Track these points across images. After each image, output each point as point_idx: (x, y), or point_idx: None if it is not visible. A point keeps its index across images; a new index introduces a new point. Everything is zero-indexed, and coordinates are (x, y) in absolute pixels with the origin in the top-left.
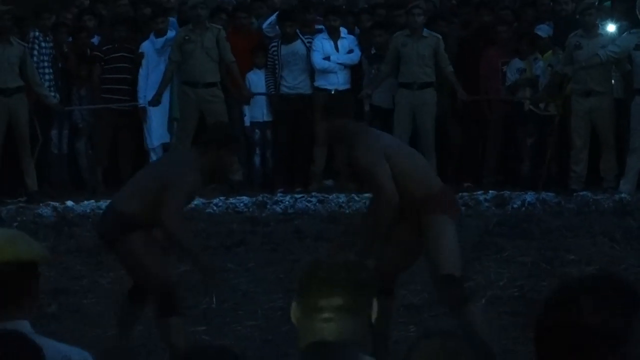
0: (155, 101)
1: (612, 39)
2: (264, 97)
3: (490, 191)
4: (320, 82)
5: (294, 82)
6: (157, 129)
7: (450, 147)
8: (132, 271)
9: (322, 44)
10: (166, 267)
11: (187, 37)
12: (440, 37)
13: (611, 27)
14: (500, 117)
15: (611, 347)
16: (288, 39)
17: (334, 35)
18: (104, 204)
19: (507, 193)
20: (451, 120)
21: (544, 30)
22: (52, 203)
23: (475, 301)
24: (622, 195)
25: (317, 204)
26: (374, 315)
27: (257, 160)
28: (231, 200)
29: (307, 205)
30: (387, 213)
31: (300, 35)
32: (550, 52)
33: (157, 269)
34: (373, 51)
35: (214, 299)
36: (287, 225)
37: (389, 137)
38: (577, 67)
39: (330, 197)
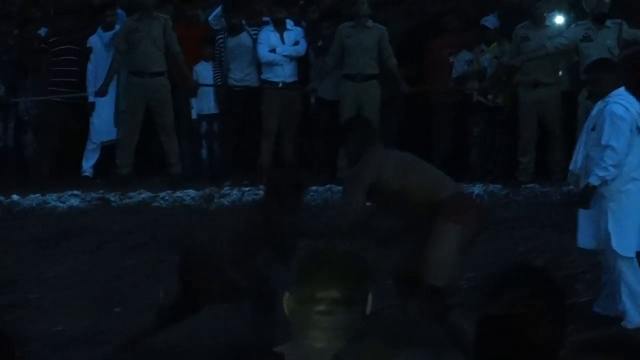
0: (102, 91)
1: (560, 30)
2: (211, 90)
3: None
4: (267, 75)
5: (241, 75)
6: (102, 126)
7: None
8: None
9: (268, 36)
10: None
11: (134, 27)
12: (384, 28)
13: (559, 19)
14: (447, 109)
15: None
16: (234, 30)
17: (280, 27)
18: (50, 197)
19: None
20: (394, 110)
21: (490, 22)
22: None
23: (457, 309)
24: (570, 187)
25: None
26: (368, 309)
27: (204, 153)
28: (178, 193)
29: (254, 199)
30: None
31: (246, 27)
32: (495, 44)
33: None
34: (320, 43)
35: (161, 293)
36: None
37: (394, 156)
38: (524, 58)
39: None
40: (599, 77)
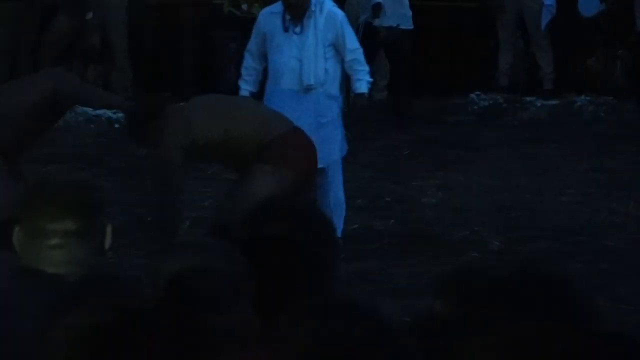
0: None
1: None
2: None
3: None
4: None
5: None
6: None
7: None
8: None
9: None
10: None
11: None
12: None
13: None
14: (194, 22)
15: None
16: None
17: None
18: None
19: None
20: (143, 27)
21: None
22: None
23: None
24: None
25: None
26: (107, 242)
27: None
28: None
29: None
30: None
31: None
32: None
33: None
34: None
35: None
36: None
37: (204, 107)
38: None
39: None
40: None
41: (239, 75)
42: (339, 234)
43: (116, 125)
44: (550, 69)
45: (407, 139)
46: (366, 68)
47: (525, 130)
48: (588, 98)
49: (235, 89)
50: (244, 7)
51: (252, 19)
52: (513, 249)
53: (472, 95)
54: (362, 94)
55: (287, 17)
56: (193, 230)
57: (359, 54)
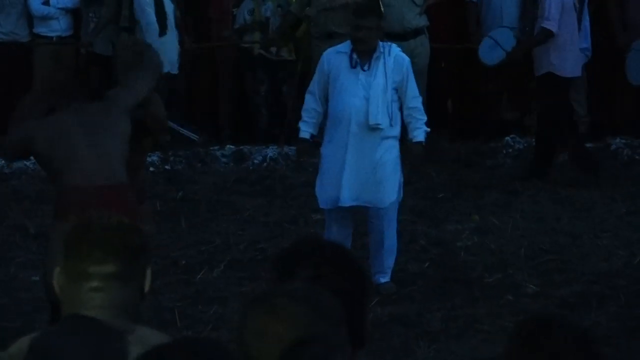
0: None
1: None
2: None
3: (227, 146)
4: (40, 29)
5: (10, 28)
6: None
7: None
8: None
9: None
10: None
11: None
12: None
13: None
14: (228, 64)
15: None
16: None
17: None
18: None
19: (246, 148)
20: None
21: None
22: None
23: None
24: None
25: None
26: (147, 285)
27: None
28: None
29: (25, 164)
30: None
31: None
32: None
33: None
34: None
35: None
36: (3, 186)
37: (59, 120)
38: (319, 9)
39: None
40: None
41: (270, 118)
42: (389, 276)
43: (151, 169)
44: (585, 112)
45: (443, 181)
46: (425, 117)
47: (560, 173)
48: (623, 141)
49: (267, 132)
50: (273, 50)
51: (281, 62)
52: (549, 293)
53: (507, 139)
54: (420, 142)
55: (355, 55)
56: (227, 272)
57: (420, 102)
